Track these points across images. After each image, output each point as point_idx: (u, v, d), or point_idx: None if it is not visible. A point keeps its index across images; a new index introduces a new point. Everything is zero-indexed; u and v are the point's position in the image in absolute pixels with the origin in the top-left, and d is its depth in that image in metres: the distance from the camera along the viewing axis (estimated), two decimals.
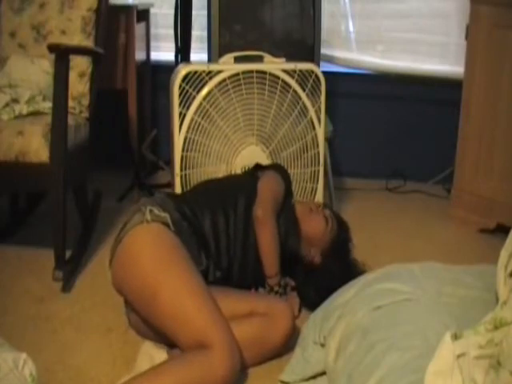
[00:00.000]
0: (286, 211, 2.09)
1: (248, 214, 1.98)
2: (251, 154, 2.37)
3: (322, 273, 2.06)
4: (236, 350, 1.59)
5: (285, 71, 2.38)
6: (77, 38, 2.62)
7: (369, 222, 2.92)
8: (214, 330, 1.59)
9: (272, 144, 2.41)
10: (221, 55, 2.46)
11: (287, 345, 1.79)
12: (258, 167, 2.24)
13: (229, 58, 2.35)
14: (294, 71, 2.39)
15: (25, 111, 2.35)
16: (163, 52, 3.58)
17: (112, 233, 2.54)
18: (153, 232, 1.78)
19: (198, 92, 2.28)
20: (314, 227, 2.10)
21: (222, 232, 1.94)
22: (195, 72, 2.27)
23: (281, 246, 2.00)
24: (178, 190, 2.31)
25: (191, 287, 1.67)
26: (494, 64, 2.74)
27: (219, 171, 2.35)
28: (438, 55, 3.43)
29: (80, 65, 2.58)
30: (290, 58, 2.48)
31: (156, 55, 3.58)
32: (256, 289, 2.05)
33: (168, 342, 1.72)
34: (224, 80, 2.30)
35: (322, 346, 1.63)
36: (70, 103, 2.38)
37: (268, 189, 2.05)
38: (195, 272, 1.73)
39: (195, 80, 2.27)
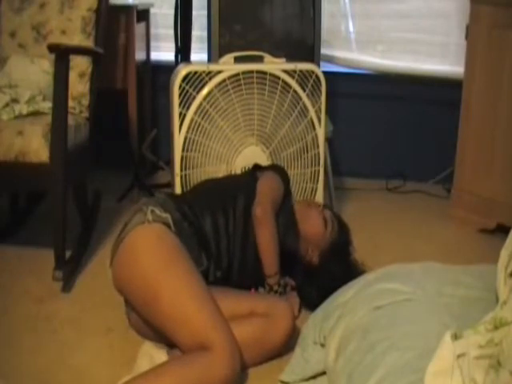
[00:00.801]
0: (284, 211, 2.09)
1: (247, 213, 1.98)
2: (251, 155, 2.37)
3: (321, 273, 2.06)
4: (236, 351, 1.59)
5: (285, 71, 2.38)
6: (77, 38, 2.62)
7: (369, 222, 2.92)
8: (215, 330, 1.59)
9: (272, 144, 2.41)
10: (221, 55, 2.46)
11: (287, 345, 1.78)
12: (257, 167, 2.25)
13: (229, 58, 2.35)
14: (295, 71, 2.39)
15: (25, 111, 2.34)
16: (163, 52, 3.58)
17: (112, 233, 2.54)
18: (154, 232, 1.77)
19: (198, 92, 2.28)
20: (313, 227, 2.10)
21: (222, 232, 1.94)
22: (195, 72, 2.27)
23: (280, 246, 2.00)
24: (178, 190, 2.31)
25: (191, 288, 1.67)
26: (494, 64, 2.74)
27: (219, 171, 2.35)
28: (438, 55, 3.43)
29: (80, 65, 2.58)
30: (290, 58, 2.48)
31: (156, 55, 3.58)
32: (256, 289, 2.05)
33: (168, 342, 1.72)
34: (224, 80, 2.30)
35: (322, 346, 1.63)
36: (70, 103, 2.38)
37: (267, 189, 2.05)
38: (196, 273, 1.73)
39: (195, 80, 2.27)
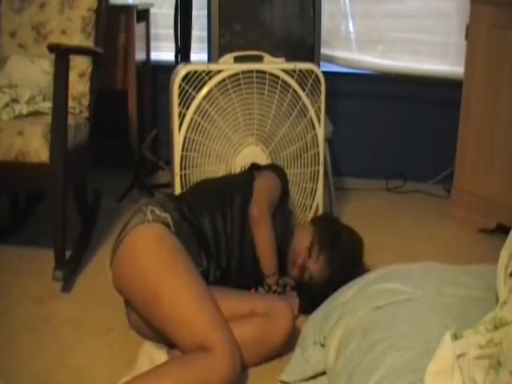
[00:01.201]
0: (282, 212, 2.08)
1: (244, 213, 1.98)
2: (251, 154, 2.37)
3: (316, 283, 2.04)
4: (237, 352, 1.59)
5: (284, 71, 2.37)
6: (77, 38, 2.62)
7: (369, 222, 2.92)
8: (215, 331, 1.59)
9: (272, 144, 2.41)
10: (221, 55, 2.46)
11: (287, 345, 1.78)
12: (255, 167, 2.24)
13: (229, 57, 2.35)
14: (294, 71, 2.39)
15: (25, 111, 2.34)
16: (163, 52, 3.57)
17: (112, 233, 2.54)
18: (154, 232, 1.77)
19: (198, 92, 2.28)
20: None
21: (221, 231, 1.94)
22: (195, 72, 2.27)
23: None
24: (177, 189, 2.31)
25: (191, 288, 1.67)
26: (493, 64, 2.74)
27: (219, 171, 2.35)
28: (438, 55, 3.43)
29: (80, 65, 2.58)
30: (290, 58, 2.48)
31: (156, 55, 3.58)
32: (256, 289, 2.05)
33: (168, 342, 1.72)
34: (224, 80, 2.30)
35: (322, 346, 1.63)
36: (70, 103, 2.38)
37: (264, 188, 2.04)
38: (196, 273, 1.73)
39: (195, 80, 2.27)
